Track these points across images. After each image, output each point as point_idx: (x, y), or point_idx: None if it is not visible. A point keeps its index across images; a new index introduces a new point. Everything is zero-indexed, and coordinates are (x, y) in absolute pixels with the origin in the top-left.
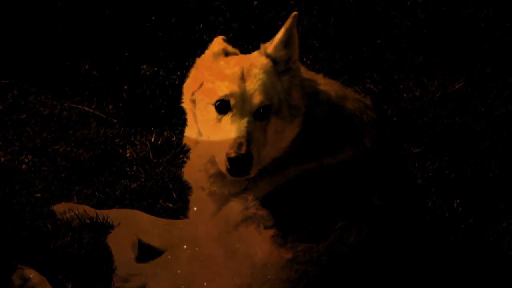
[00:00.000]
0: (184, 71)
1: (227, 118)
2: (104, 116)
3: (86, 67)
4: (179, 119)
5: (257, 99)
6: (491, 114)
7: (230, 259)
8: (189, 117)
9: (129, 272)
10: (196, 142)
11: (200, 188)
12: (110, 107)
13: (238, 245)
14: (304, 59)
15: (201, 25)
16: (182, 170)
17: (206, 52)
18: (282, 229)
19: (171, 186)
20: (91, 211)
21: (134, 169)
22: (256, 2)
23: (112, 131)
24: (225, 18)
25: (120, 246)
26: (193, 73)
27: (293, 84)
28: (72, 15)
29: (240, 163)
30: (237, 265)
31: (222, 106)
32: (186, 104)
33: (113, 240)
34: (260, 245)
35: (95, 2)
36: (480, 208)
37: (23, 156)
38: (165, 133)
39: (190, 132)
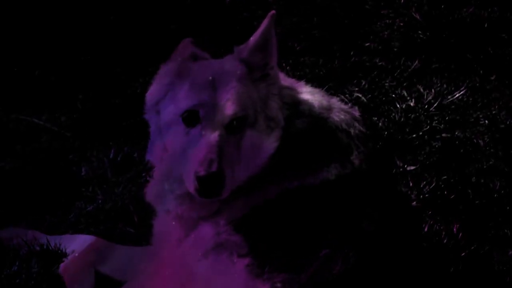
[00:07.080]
0: (147, 78)
1: (195, 131)
2: (55, 129)
3: (36, 73)
4: (141, 133)
5: (229, 110)
6: (495, 127)
7: None
8: (153, 130)
9: None
10: (161, 159)
11: (165, 211)
12: (63, 119)
13: (208, 276)
14: (284, 64)
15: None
16: (145, 190)
17: (172, 56)
18: (259, 258)
19: (132, 208)
20: (41, 237)
21: (90, 189)
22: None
23: (65, 146)
24: (195, 18)
25: (75, 276)
26: (158, 80)
27: (270, 93)
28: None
29: (210, 182)
30: None
31: (190, 118)
32: (149, 115)
33: (66, 270)
34: (233, 275)
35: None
36: (483, 234)
37: None
38: (125, 148)
39: (153, 148)
